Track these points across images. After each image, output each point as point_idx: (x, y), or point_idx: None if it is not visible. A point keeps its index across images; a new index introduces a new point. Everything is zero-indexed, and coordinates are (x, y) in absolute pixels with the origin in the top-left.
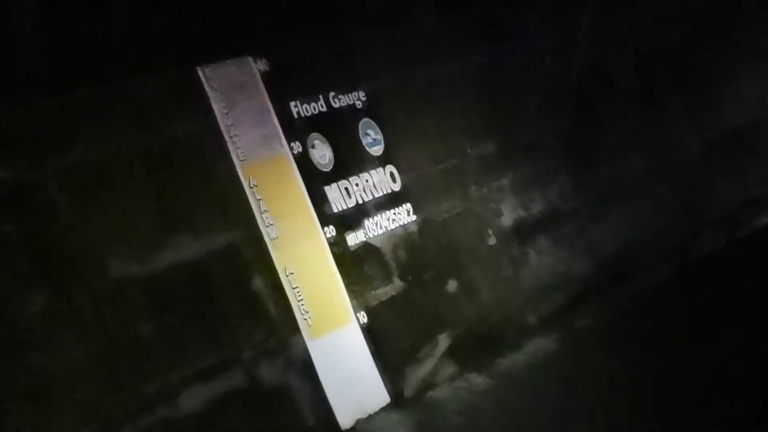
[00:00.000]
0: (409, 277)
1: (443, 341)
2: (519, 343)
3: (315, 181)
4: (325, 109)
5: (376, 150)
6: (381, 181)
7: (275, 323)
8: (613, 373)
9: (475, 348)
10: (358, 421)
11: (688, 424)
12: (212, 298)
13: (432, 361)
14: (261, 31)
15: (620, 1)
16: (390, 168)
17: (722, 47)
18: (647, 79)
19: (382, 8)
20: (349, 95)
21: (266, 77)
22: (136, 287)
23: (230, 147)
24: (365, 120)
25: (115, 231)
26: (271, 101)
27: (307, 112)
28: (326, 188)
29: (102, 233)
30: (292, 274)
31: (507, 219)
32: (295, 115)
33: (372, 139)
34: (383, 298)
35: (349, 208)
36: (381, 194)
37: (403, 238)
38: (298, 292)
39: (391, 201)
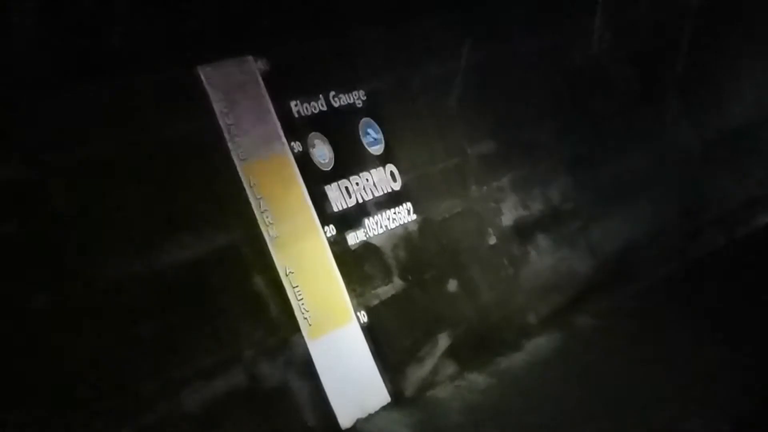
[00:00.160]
0: (410, 277)
1: (443, 340)
2: (519, 342)
3: (315, 180)
4: (325, 108)
5: (377, 149)
6: (381, 180)
7: (275, 323)
8: (613, 372)
9: (475, 347)
10: (358, 421)
11: (688, 424)
12: (212, 298)
13: (432, 361)
14: (261, 30)
15: (620, 1)
16: (390, 167)
17: (722, 47)
18: (647, 79)
19: (383, 8)
20: (350, 94)
21: (266, 77)
22: (136, 286)
23: (230, 146)
24: (365, 119)
25: (116, 230)
26: (272, 101)
27: (308, 111)
28: (326, 187)
29: (102, 232)
30: (292, 273)
31: (507, 218)
32: (296, 115)
33: (372, 138)
34: (383, 298)
35: (349, 208)
36: (381, 193)
37: (404, 237)
38: (299, 291)
39: (391, 200)
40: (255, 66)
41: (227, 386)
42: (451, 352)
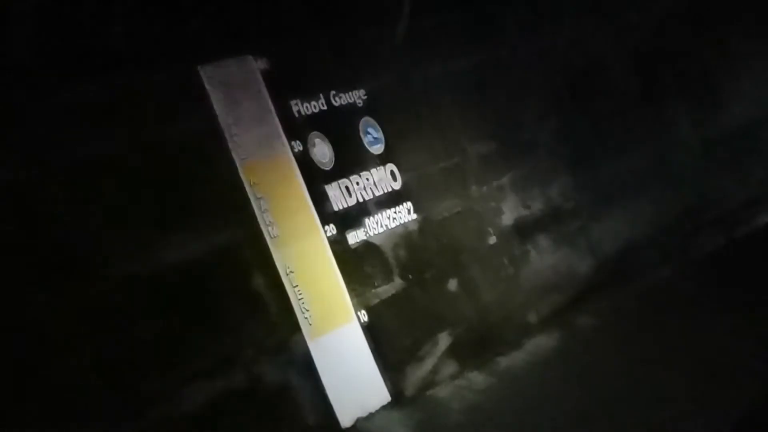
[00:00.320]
0: (410, 276)
1: (444, 340)
2: (519, 341)
3: (315, 179)
4: (325, 107)
5: (377, 149)
6: (381, 179)
7: (275, 322)
8: (614, 372)
9: (475, 347)
10: (359, 420)
11: (688, 424)
12: (212, 298)
13: (432, 360)
14: (262, 30)
15: (621, 1)
16: (390, 166)
17: (722, 47)
18: (647, 79)
19: (383, 8)
20: (350, 94)
21: (267, 76)
22: (136, 286)
23: (231, 146)
24: (366, 119)
25: (115, 230)
26: (272, 100)
27: (308, 110)
28: (327, 187)
29: (102, 232)
30: (292, 272)
31: (507, 218)
32: (296, 114)
33: (372, 137)
34: (384, 297)
35: (349, 207)
36: (381, 193)
37: (404, 236)
38: (299, 290)
39: (391, 199)
40: (255, 65)
41: (227, 386)
42: (452, 352)
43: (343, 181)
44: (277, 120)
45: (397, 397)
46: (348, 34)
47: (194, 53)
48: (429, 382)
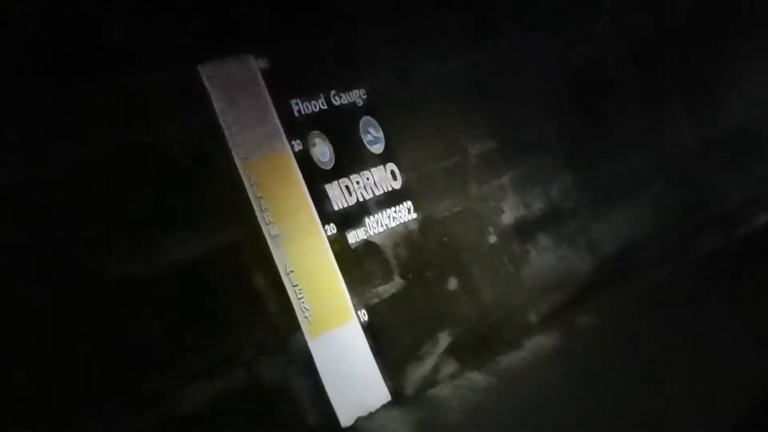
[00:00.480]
0: (410, 275)
1: (444, 339)
2: (519, 341)
3: (316, 179)
4: (325, 107)
5: (377, 148)
6: (382, 179)
7: (276, 321)
8: (614, 371)
9: (475, 346)
10: (359, 419)
11: (688, 424)
12: (212, 297)
13: (433, 359)
14: (262, 29)
15: (621, 1)
16: (391, 166)
17: (722, 47)
18: (648, 79)
19: (383, 7)
20: (350, 93)
21: (267, 75)
22: (136, 286)
23: (231, 145)
24: (366, 118)
25: (116, 229)
26: (272, 99)
27: (308, 110)
28: (327, 186)
29: (102, 232)
30: (292, 272)
31: (508, 217)
32: (296, 113)
33: (373, 137)
34: (384, 296)
35: (349, 206)
36: (382, 192)
37: (404, 236)
38: (299, 290)
39: (391, 199)
40: (255, 64)
41: (227, 386)
42: (452, 351)
43: (344, 181)
44: (277, 119)
45: (397, 397)
46: (348, 34)
47: (194, 53)
48: (429, 382)
